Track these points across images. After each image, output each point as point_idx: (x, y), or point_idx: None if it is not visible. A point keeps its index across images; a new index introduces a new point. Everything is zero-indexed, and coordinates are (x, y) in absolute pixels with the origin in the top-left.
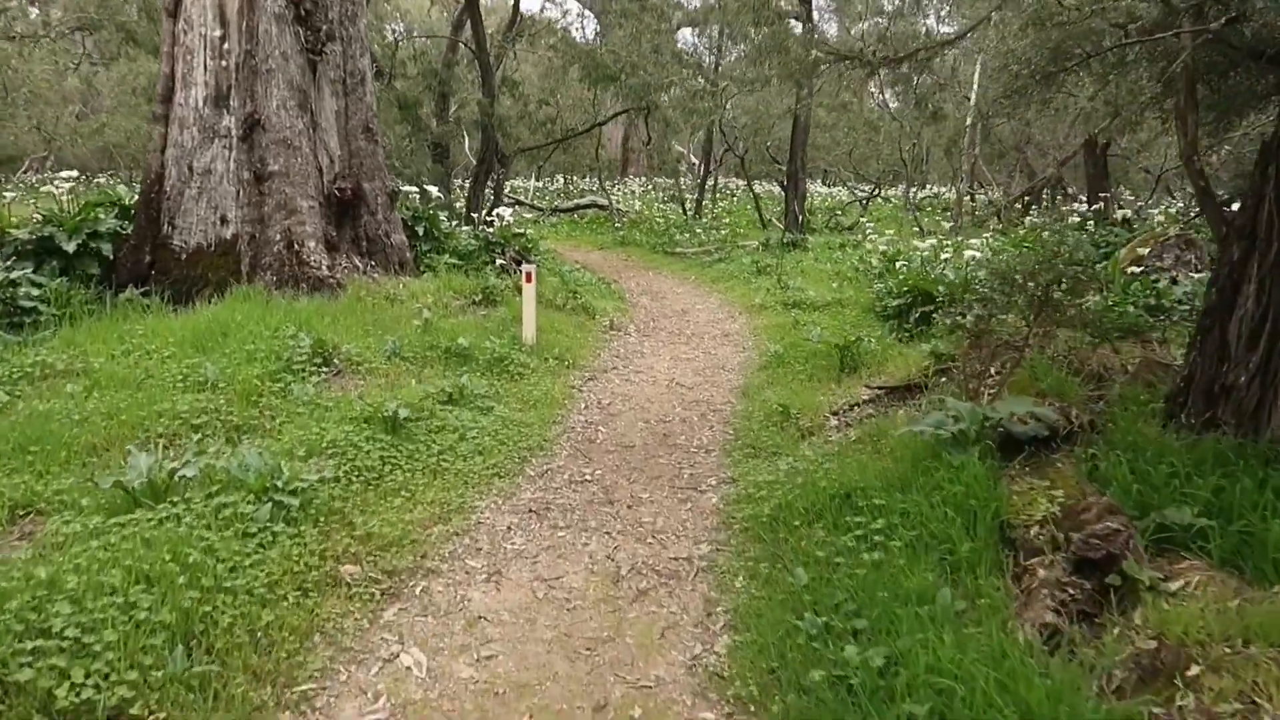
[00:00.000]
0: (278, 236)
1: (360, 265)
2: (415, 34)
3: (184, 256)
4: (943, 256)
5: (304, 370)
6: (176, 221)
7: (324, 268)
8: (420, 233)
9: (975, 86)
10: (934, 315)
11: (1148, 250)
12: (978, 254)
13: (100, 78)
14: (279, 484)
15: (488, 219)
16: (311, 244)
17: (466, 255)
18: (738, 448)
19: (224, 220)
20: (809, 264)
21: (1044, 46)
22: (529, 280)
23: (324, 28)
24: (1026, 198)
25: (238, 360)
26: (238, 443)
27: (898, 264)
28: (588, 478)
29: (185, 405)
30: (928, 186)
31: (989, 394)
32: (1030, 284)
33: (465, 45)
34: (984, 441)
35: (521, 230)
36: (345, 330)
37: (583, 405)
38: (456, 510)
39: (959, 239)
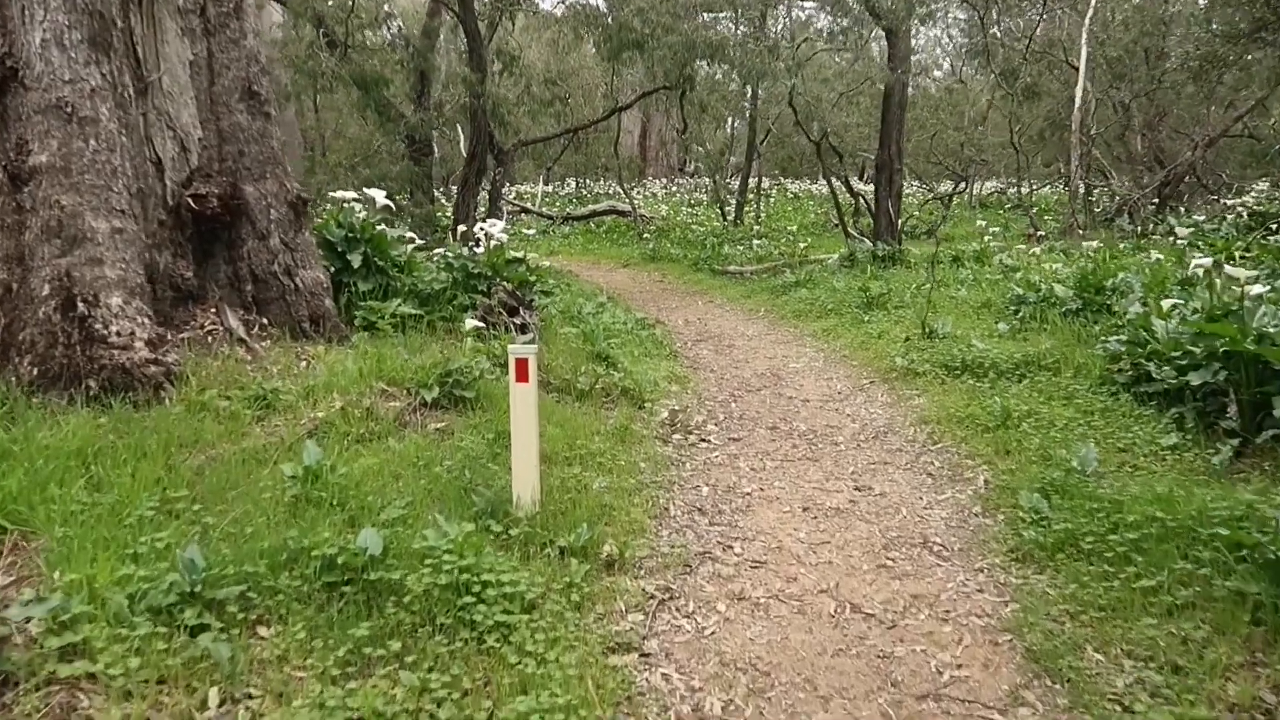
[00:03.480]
0: (45, 289)
1: (238, 326)
2: None
3: None
4: (1254, 290)
5: None
6: None
7: (139, 344)
8: (356, 264)
9: (1084, 54)
10: None
11: None
12: None
13: None
14: None
15: (473, 235)
16: (116, 300)
17: (430, 298)
18: None
19: None
20: (919, 288)
21: None
22: (523, 377)
23: None
24: (1164, 189)
25: None
26: None
27: (1137, 297)
28: None
29: None
30: (986, 182)
31: None
32: None
33: (447, 7)
34: None
35: (520, 254)
36: (109, 509)
37: None
38: None
39: (1067, 243)
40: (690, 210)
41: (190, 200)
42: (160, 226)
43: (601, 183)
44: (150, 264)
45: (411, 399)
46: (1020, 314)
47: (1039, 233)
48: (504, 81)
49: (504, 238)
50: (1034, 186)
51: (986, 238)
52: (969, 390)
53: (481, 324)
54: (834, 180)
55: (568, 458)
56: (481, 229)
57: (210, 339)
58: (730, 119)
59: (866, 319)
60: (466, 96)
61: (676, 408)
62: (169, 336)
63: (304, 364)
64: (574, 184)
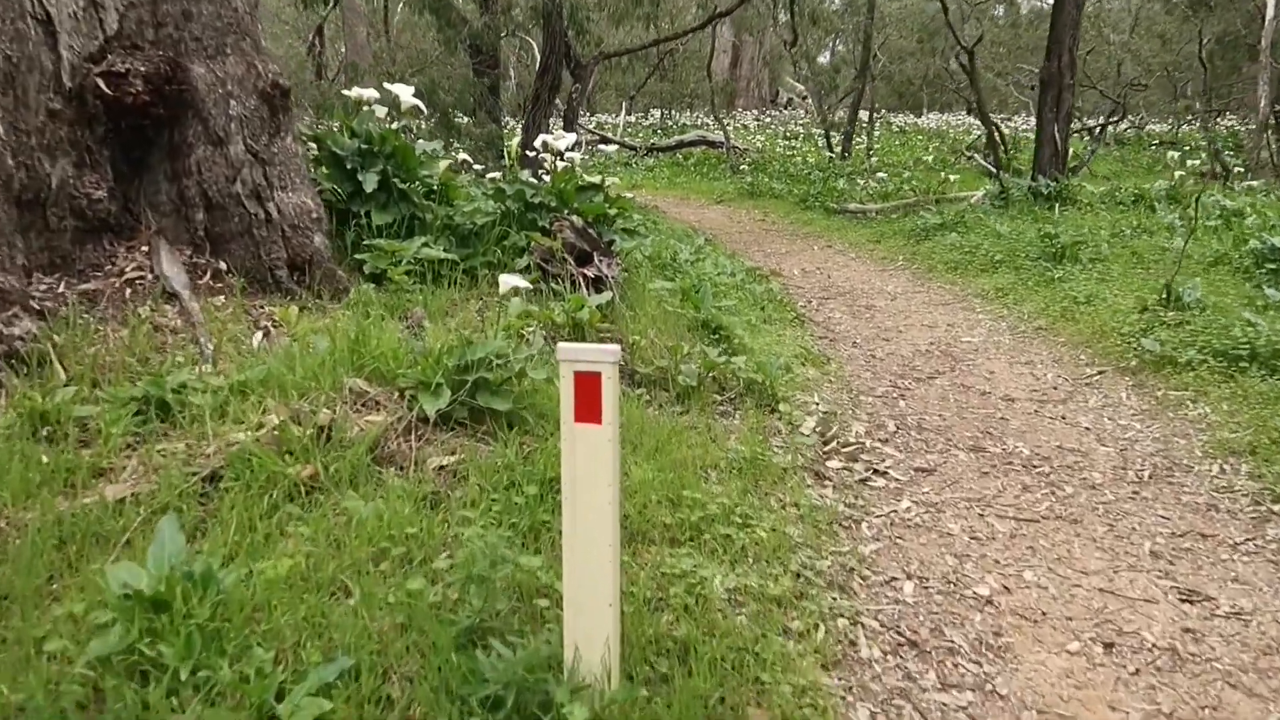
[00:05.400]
0: None
1: (175, 273)
2: None
3: None
4: None
5: None
6: None
7: None
8: (370, 187)
9: None
10: None
11: None
12: None
13: None
14: None
15: (536, 154)
16: None
17: (472, 237)
18: None
19: None
20: (1113, 236)
21: None
22: (589, 412)
23: None
24: None
25: None
26: None
27: None
28: None
29: None
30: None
31: None
32: None
33: None
34: None
35: (598, 179)
36: None
37: None
38: None
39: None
40: (787, 143)
41: (102, 82)
42: (51, 120)
43: (689, 114)
44: (27, 176)
45: (405, 409)
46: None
47: (1234, 169)
48: None
49: (575, 156)
50: (1180, 121)
51: (1179, 174)
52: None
53: (526, 283)
54: (981, 98)
55: (668, 527)
56: (543, 140)
57: (131, 292)
58: (832, 41)
59: (1057, 275)
60: None
61: (823, 409)
62: (60, 290)
63: (260, 335)
64: (658, 115)
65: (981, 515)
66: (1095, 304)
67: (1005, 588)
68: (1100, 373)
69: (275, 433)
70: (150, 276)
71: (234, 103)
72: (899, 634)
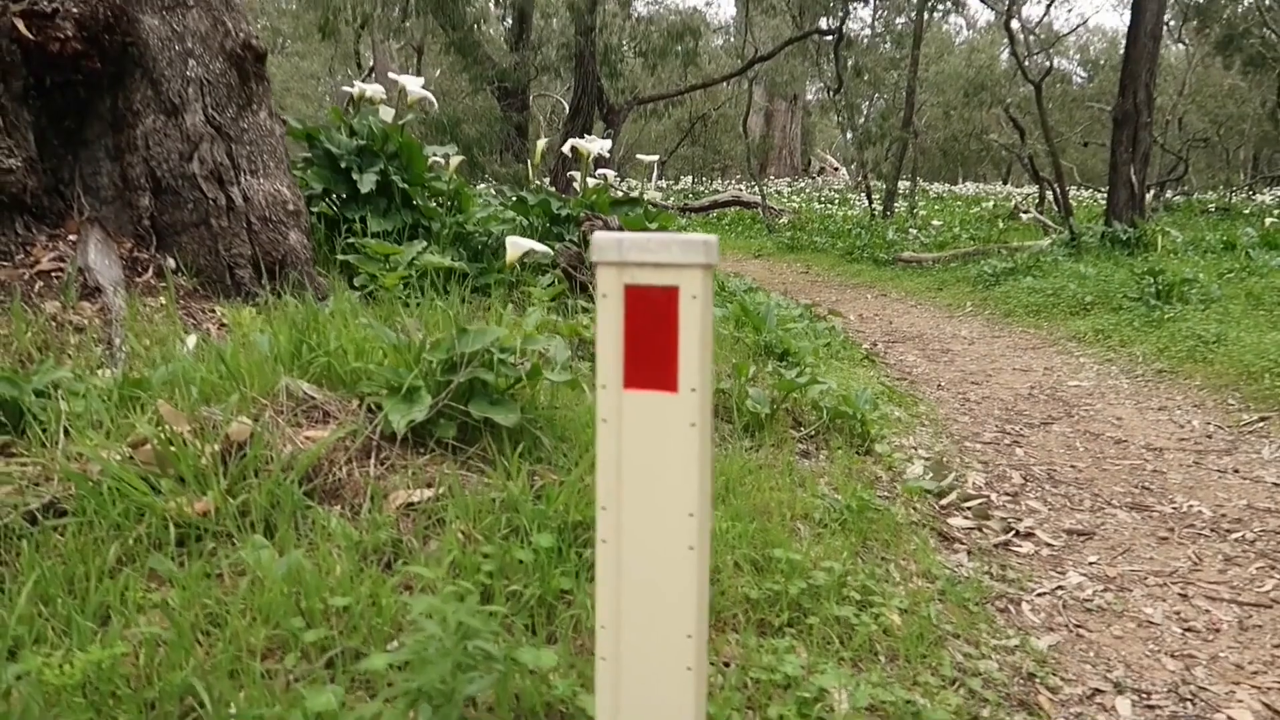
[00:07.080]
0: None
1: (105, 267)
2: None
3: None
4: None
5: None
6: None
7: None
8: (367, 188)
9: None
10: None
11: None
12: None
13: None
14: None
15: (560, 184)
16: None
17: (486, 251)
18: None
19: None
20: (1219, 276)
21: None
22: (659, 368)
23: None
24: None
25: None
26: None
27: None
28: None
29: None
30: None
31: None
32: None
33: None
34: None
35: (634, 190)
36: None
37: None
38: None
39: None
40: (823, 206)
41: (20, 23)
42: None
43: (720, 180)
44: None
45: (365, 422)
46: None
47: None
48: (616, 25)
49: (609, 173)
50: (1229, 190)
51: (1269, 221)
52: None
53: (543, 247)
54: (1047, 127)
55: (754, 604)
56: (572, 146)
57: (42, 286)
58: (870, 101)
59: (1167, 315)
60: (573, 32)
61: (925, 454)
62: None
63: (194, 338)
64: (689, 180)
65: (1185, 596)
66: (1228, 344)
67: (1275, 711)
68: (1263, 419)
69: (160, 448)
70: (72, 270)
71: (193, 63)
72: None
